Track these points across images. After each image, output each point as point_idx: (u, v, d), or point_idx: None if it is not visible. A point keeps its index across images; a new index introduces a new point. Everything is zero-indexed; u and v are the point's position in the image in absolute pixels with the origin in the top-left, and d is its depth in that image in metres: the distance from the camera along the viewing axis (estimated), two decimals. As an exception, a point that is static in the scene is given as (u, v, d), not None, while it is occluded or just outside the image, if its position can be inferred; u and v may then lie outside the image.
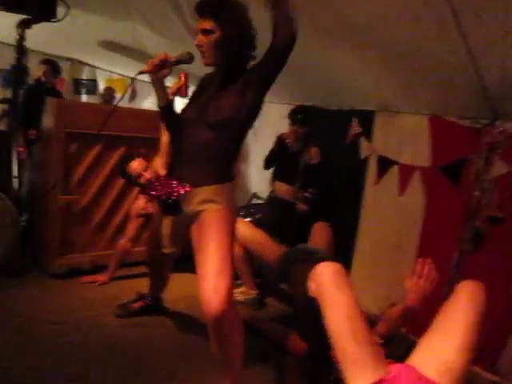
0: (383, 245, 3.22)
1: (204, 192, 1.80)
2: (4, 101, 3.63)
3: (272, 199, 3.66)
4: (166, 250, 2.08)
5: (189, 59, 1.89)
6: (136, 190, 3.26)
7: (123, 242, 3.06)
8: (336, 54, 2.84)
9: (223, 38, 1.75)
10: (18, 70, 3.27)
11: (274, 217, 3.44)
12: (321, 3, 2.35)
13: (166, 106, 1.88)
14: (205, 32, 1.75)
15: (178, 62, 1.87)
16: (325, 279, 1.51)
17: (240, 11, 1.79)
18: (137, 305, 2.69)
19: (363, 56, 2.70)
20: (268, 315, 2.95)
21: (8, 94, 4.92)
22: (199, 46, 1.78)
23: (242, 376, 1.86)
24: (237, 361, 1.84)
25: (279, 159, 3.59)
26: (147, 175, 2.95)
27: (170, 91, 2.15)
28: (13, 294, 2.77)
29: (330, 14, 2.41)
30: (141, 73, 1.83)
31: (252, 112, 1.83)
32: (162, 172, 2.43)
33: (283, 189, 3.57)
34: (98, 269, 3.16)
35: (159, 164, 2.64)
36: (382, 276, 3.13)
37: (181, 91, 2.21)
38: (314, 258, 2.65)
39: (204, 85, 1.99)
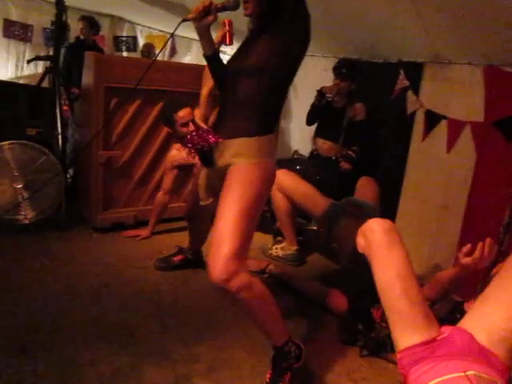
0: (429, 203, 3.10)
1: (235, 144, 1.72)
2: (46, 58, 3.67)
3: (314, 156, 3.58)
4: (202, 202, 2.05)
5: (234, 5, 1.79)
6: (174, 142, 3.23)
7: (160, 195, 3.08)
8: (383, 2, 2.66)
9: None
10: (59, 28, 3.26)
11: (316, 173, 3.37)
12: None
13: (212, 55, 1.81)
14: None
15: (224, 8, 1.77)
16: (376, 236, 1.45)
17: None
18: (177, 258, 2.74)
19: (412, 4, 2.52)
20: (307, 272, 2.93)
21: (51, 51, 5.04)
22: None
23: (282, 335, 1.78)
24: (267, 326, 1.74)
25: (321, 115, 3.47)
26: (192, 126, 2.91)
27: (214, 40, 2.08)
28: (59, 245, 2.87)
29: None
30: (185, 20, 1.74)
31: (285, 61, 1.69)
32: (200, 124, 2.38)
33: (326, 146, 3.48)
34: (140, 223, 3.22)
35: (198, 116, 2.61)
36: (426, 235, 3.04)
37: (225, 39, 2.11)
38: (364, 213, 2.59)
39: (246, 41, 1.89)
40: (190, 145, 1.86)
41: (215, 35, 2.00)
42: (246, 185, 1.65)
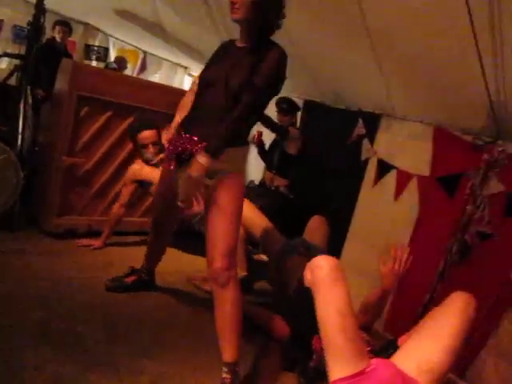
0: (372, 247, 3.29)
1: (225, 152, 1.82)
2: (17, 56, 3.63)
3: (261, 185, 3.89)
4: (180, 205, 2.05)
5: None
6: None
7: (116, 207, 3.10)
8: (351, 54, 2.90)
9: None
10: (35, 28, 3.26)
11: (261, 201, 3.57)
12: (343, 5, 2.40)
13: None
14: None
15: None
16: (322, 273, 1.59)
17: None
18: (129, 279, 2.68)
19: (378, 59, 2.77)
20: (253, 299, 3.02)
21: (18, 50, 4.96)
22: (233, 3, 1.80)
23: (236, 352, 1.92)
24: (229, 334, 1.91)
25: (266, 153, 3.87)
26: (152, 149, 3.01)
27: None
28: (9, 245, 2.81)
29: (351, 15, 2.47)
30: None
31: (269, 83, 1.84)
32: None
33: (267, 176, 3.85)
34: (93, 233, 3.20)
35: (164, 138, 2.67)
36: (368, 276, 3.21)
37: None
38: (311, 254, 2.73)
39: (221, 51, 2.04)
40: (170, 148, 1.99)
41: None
42: (234, 192, 1.91)
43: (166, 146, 2.08)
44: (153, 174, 3.04)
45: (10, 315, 2.11)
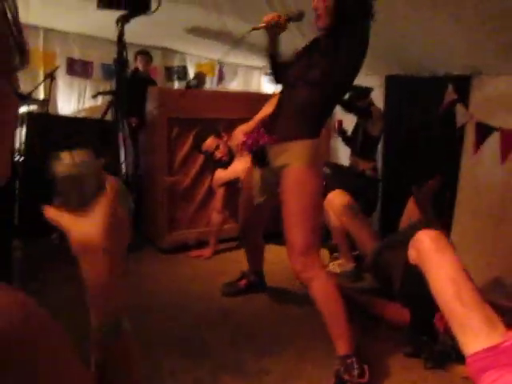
0: (484, 216, 3.10)
1: (290, 146, 1.92)
2: (109, 93, 3.97)
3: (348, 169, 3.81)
4: (256, 201, 2.19)
5: (298, 16, 2.01)
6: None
7: (214, 215, 3.27)
8: (427, 17, 2.74)
9: (340, 2, 1.85)
10: (120, 63, 3.52)
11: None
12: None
13: (275, 54, 2.07)
14: None
15: (290, 19, 2.00)
16: (425, 245, 1.54)
17: None
18: (242, 283, 2.81)
19: (456, 16, 2.59)
20: (366, 287, 2.99)
21: (108, 85, 5.41)
22: (315, 10, 1.89)
23: (346, 344, 1.93)
24: (334, 329, 1.93)
25: (349, 139, 3.79)
26: (219, 153, 3.14)
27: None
28: (130, 266, 3.07)
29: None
30: (254, 29, 1.95)
31: (345, 74, 1.93)
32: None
33: (353, 160, 3.77)
34: (202, 244, 3.40)
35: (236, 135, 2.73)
36: (482, 248, 3.03)
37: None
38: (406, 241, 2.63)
39: (307, 48, 2.09)
40: (243, 140, 2.08)
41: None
42: (303, 188, 1.90)
43: (242, 138, 2.15)
44: (234, 169, 3.19)
45: (142, 327, 2.32)
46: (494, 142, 3.03)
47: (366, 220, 2.97)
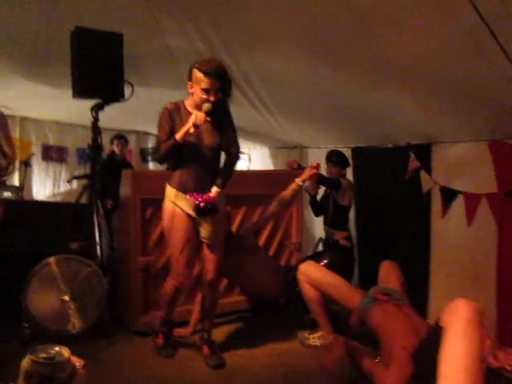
0: (459, 276, 3.14)
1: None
2: (85, 176, 4.03)
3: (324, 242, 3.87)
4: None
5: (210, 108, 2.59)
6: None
7: (199, 297, 3.21)
8: (386, 95, 2.94)
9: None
10: (95, 148, 3.61)
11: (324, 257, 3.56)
12: (364, 47, 2.49)
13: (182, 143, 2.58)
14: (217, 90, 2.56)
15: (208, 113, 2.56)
16: (468, 314, 1.53)
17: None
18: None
19: (413, 93, 2.79)
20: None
21: (83, 169, 5.50)
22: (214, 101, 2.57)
23: None
24: None
25: (319, 206, 3.88)
26: None
27: (301, 177, 3.27)
28: (105, 352, 2.95)
29: (375, 58, 2.55)
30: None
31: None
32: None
33: (326, 231, 3.83)
34: (179, 324, 3.30)
35: None
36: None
37: (312, 178, 3.33)
38: (393, 299, 2.62)
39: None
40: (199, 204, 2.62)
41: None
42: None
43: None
44: None
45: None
46: (459, 204, 3.15)
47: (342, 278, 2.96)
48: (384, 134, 3.71)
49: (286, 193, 3.27)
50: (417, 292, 3.16)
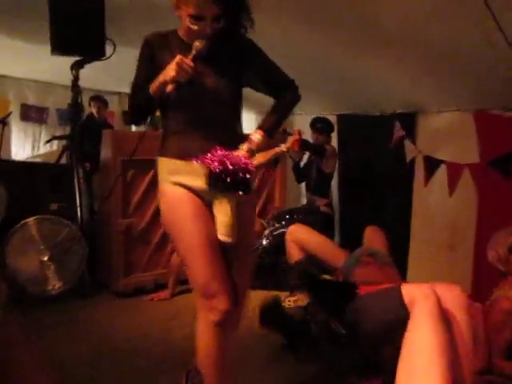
0: (437, 244, 3.19)
1: None
2: (64, 137, 3.93)
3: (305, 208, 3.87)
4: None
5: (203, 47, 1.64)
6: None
7: (175, 257, 3.20)
8: (373, 62, 2.90)
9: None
10: (75, 109, 3.52)
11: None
12: (351, 9, 2.42)
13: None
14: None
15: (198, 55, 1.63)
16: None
17: None
18: None
19: (399, 60, 2.75)
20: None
21: (63, 131, 5.35)
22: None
23: None
24: None
25: (302, 172, 3.87)
26: None
27: (283, 146, 3.07)
28: (84, 313, 2.95)
29: (365, 23, 2.49)
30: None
31: None
32: None
33: (308, 197, 3.89)
34: (160, 286, 3.32)
35: None
36: (438, 275, 3.10)
37: (294, 146, 3.08)
38: (378, 260, 2.64)
39: None
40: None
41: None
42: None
43: None
44: None
45: (94, 378, 2.21)
46: (442, 174, 3.17)
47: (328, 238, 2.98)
48: (370, 102, 3.68)
49: (266, 155, 3.18)
50: (396, 259, 3.19)
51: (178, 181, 1.64)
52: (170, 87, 1.58)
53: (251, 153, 1.66)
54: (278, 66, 1.83)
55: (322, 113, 4.04)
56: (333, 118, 3.97)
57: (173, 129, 1.70)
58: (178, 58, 1.56)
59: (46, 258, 2.99)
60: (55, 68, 4.21)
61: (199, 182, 1.60)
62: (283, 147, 3.17)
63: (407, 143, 3.40)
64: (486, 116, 2.88)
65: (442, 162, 3.17)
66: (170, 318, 2.92)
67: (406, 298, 1.70)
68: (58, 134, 5.40)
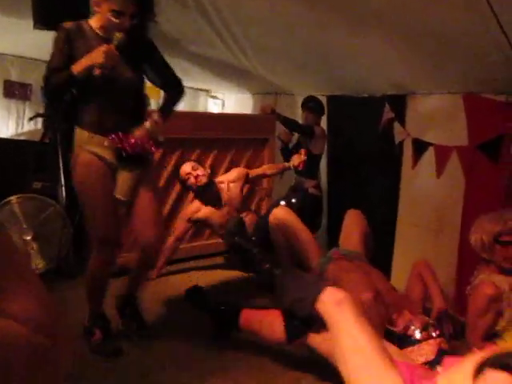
0: (424, 228, 3.20)
1: None
2: (44, 115, 3.84)
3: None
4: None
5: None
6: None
7: (171, 240, 3.19)
8: (363, 41, 2.85)
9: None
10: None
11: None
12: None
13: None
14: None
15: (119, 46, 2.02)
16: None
17: None
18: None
19: (390, 41, 2.71)
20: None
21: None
22: None
23: None
24: None
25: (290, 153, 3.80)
26: (193, 179, 3.13)
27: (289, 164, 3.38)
28: (71, 292, 2.92)
29: (355, 1, 2.44)
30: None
31: None
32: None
33: (296, 179, 3.84)
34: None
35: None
36: (424, 258, 3.12)
37: (299, 166, 3.31)
38: (351, 257, 2.64)
39: None
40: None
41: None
42: None
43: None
44: (210, 214, 3.26)
45: (83, 357, 2.21)
46: (430, 156, 3.17)
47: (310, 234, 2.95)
48: (360, 84, 3.64)
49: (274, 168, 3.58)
50: (382, 241, 3.21)
51: (92, 150, 2.09)
52: (98, 71, 1.93)
53: (152, 128, 2.11)
54: (171, 67, 2.30)
55: (312, 93, 3.99)
56: (323, 99, 3.93)
57: (91, 107, 2.08)
58: (106, 46, 1.94)
59: (28, 238, 2.94)
60: (39, 43, 4.08)
61: (108, 155, 2.10)
62: (290, 164, 3.38)
63: (396, 125, 3.37)
64: (476, 99, 2.86)
65: (430, 144, 3.16)
66: (155, 299, 2.91)
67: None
68: (41, 111, 5.29)
